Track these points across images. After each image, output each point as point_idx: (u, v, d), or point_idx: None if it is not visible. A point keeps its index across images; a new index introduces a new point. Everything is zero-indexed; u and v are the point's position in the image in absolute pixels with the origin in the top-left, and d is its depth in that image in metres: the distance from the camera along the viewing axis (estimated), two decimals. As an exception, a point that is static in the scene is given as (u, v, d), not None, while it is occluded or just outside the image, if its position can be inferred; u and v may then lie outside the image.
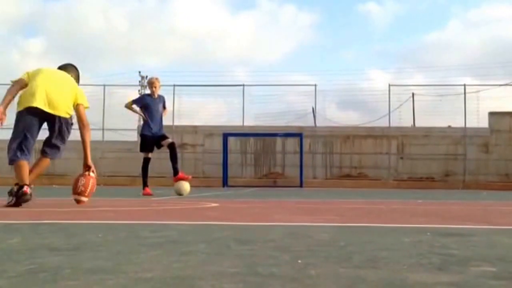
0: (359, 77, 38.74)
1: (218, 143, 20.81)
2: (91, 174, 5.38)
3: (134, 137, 20.09)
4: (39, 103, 5.16)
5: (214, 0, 52.58)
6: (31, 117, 5.19)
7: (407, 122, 22.85)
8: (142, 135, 9.25)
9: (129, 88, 26.81)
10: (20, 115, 5.26)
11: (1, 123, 5.14)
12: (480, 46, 46.08)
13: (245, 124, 21.61)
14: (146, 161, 9.13)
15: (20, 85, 5.31)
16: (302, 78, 44.60)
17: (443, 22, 50.98)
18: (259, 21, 51.03)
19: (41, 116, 5.21)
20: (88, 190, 5.28)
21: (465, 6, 49.49)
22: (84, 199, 5.25)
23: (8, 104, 5.23)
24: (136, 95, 11.39)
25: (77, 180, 5.35)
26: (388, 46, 47.34)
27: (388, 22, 49.47)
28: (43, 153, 5.39)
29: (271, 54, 48.45)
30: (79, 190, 5.27)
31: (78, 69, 5.73)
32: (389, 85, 21.36)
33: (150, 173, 9.29)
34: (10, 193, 4.97)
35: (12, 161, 5.10)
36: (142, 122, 9.62)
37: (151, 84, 9.27)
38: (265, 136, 21.50)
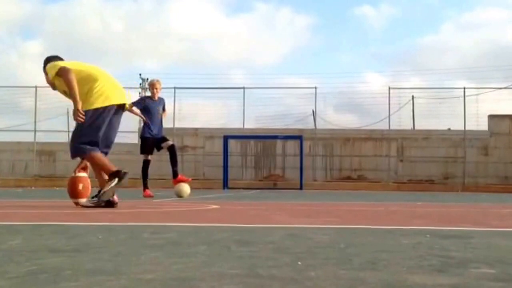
0: (357, 79, 38.87)
1: (218, 146, 20.80)
2: (80, 174, 5.32)
3: (135, 139, 20.09)
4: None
5: (211, 2, 52.72)
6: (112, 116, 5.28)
7: (407, 125, 22.85)
8: (143, 137, 9.26)
9: (130, 91, 26.81)
10: (97, 112, 5.18)
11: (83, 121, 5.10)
12: (475, 49, 46.24)
13: (246, 126, 21.60)
14: (146, 163, 9.14)
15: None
16: (300, 80, 44.68)
17: (437, 26, 51.25)
18: (256, 24, 51.19)
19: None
20: (78, 191, 5.25)
21: (459, 10, 49.73)
22: (81, 201, 5.21)
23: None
24: (136, 97, 11.39)
25: (71, 183, 5.31)
26: (384, 49, 47.52)
27: (383, 25, 49.66)
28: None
29: (268, 57, 48.56)
30: (75, 194, 5.25)
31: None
32: (389, 88, 21.36)
33: (150, 175, 9.30)
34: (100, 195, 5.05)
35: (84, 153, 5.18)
36: (142, 124, 9.63)
37: (152, 86, 9.29)
38: (265, 138, 21.50)
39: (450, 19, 48.76)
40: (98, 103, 5.14)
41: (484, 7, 49.54)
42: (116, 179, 5.04)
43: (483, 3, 48.98)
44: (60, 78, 5.10)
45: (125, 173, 5.10)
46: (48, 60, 5.32)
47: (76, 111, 5.04)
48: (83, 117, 5.05)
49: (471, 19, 48.66)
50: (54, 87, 5.34)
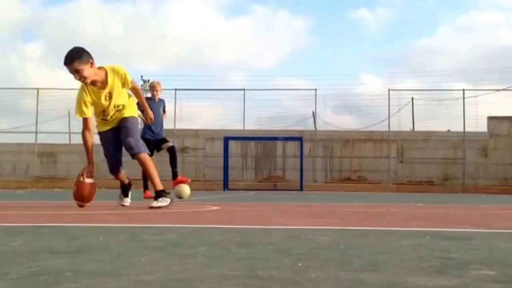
0: (354, 81, 38.99)
1: (219, 147, 20.81)
2: (86, 180, 5.29)
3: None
4: None
5: (208, 5, 52.79)
6: None
7: (406, 126, 22.86)
8: (143, 139, 9.24)
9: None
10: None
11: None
12: (470, 52, 46.41)
13: (246, 128, 21.60)
14: (147, 164, 9.13)
15: None
16: (299, 82, 44.79)
17: (433, 28, 51.40)
18: (254, 27, 51.30)
19: None
20: (87, 196, 5.25)
21: (454, 12, 49.85)
22: (85, 204, 5.23)
23: None
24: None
25: (79, 188, 5.29)
26: (380, 51, 47.63)
27: (379, 27, 49.76)
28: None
29: (266, 59, 48.67)
30: (80, 197, 5.25)
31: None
32: (389, 90, 21.38)
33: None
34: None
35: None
36: (142, 126, 9.63)
37: (152, 87, 9.30)
38: (265, 140, 21.52)
39: (446, 22, 48.92)
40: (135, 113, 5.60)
41: (480, 10, 49.73)
42: (168, 200, 5.40)
43: (478, 6, 49.16)
44: (124, 87, 5.29)
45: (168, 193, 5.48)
46: (83, 52, 5.00)
47: (148, 112, 5.91)
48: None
49: (466, 22, 48.86)
50: (93, 83, 5.08)
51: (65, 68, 4.94)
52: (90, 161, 5.25)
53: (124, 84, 5.21)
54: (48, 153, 21.37)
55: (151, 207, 5.23)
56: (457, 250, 2.18)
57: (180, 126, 21.50)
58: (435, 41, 47.50)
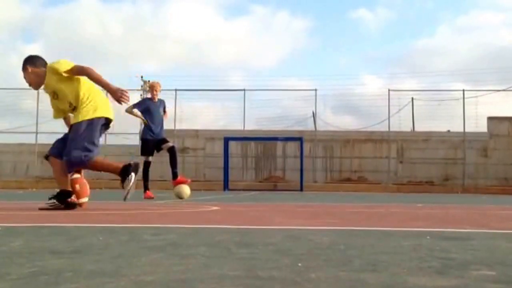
0: (354, 81, 39.05)
1: (219, 147, 20.82)
2: (75, 176, 5.30)
3: (136, 140, 20.12)
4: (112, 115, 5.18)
5: (208, 5, 52.85)
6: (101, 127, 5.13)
7: (406, 127, 22.88)
8: (143, 139, 9.27)
9: (131, 93, 26.81)
10: (98, 123, 5.05)
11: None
12: (470, 52, 46.48)
13: (246, 128, 21.61)
14: (147, 164, 9.15)
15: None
16: (298, 83, 44.98)
17: (432, 29, 51.50)
18: (253, 27, 51.38)
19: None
20: (77, 192, 5.25)
21: (454, 13, 49.93)
22: (80, 201, 5.23)
23: None
24: (137, 99, 11.43)
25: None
26: (380, 51, 47.69)
27: (379, 28, 49.82)
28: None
29: (266, 59, 48.75)
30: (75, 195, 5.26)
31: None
32: (389, 90, 21.38)
33: (151, 176, 9.30)
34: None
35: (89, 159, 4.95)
36: (143, 126, 9.64)
37: (152, 88, 9.31)
38: (265, 140, 21.53)
39: (445, 22, 49.00)
40: (95, 114, 5.03)
41: (479, 10, 49.81)
42: (133, 174, 4.93)
43: (478, 6, 49.23)
44: (63, 76, 4.92)
45: (135, 163, 5.00)
46: (32, 58, 5.09)
47: (115, 90, 4.89)
48: (128, 95, 4.96)
49: (466, 22, 48.93)
50: (38, 86, 5.13)
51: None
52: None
53: (59, 74, 4.93)
54: (48, 153, 21.39)
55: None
56: (457, 250, 2.18)
57: (180, 126, 21.53)
58: (434, 41, 47.59)
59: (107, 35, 50.49)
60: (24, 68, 5.06)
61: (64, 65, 4.95)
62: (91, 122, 4.98)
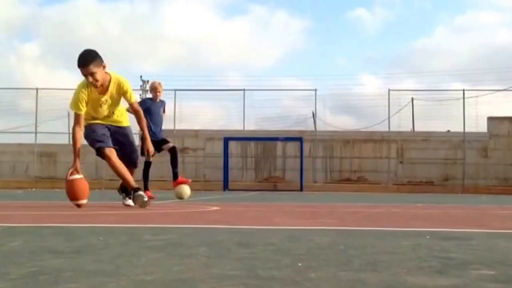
0: (353, 81, 39.11)
1: (219, 147, 20.81)
2: (75, 176, 5.30)
3: (136, 141, 20.13)
4: None
5: (205, 5, 52.90)
6: None
7: (406, 127, 22.88)
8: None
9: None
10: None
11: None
12: (468, 52, 46.58)
13: (246, 128, 21.60)
14: (147, 165, 9.14)
15: None
16: (297, 82, 45.07)
17: (430, 29, 51.61)
18: (251, 27, 51.45)
19: None
20: (77, 193, 5.26)
21: (452, 13, 50.05)
22: (80, 202, 5.21)
23: None
24: (137, 100, 11.44)
25: (69, 187, 5.31)
26: (378, 51, 47.77)
27: (377, 28, 49.90)
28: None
29: (264, 59, 48.86)
30: (73, 196, 5.26)
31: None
32: (389, 90, 21.37)
33: (151, 176, 9.30)
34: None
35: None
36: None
37: (154, 88, 9.28)
38: (265, 140, 21.52)
39: (443, 23, 49.09)
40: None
41: (477, 10, 49.87)
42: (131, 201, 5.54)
43: (475, 7, 49.33)
44: (128, 105, 5.64)
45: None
46: (100, 56, 5.11)
47: (149, 144, 5.96)
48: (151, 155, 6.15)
49: (464, 22, 49.01)
50: (99, 82, 5.11)
51: (77, 69, 5.08)
52: (76, 156, 5.27)
53: (122, 97, 5.39)
54: (48, 153, 21.38)
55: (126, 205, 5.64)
56: (457, 250, 2.18)
57: (180, 126, 21.50)
58: (433, 41, 47.65)
59: (104, 35, 50.53)
60: (99, 64, 5.06)
61: (133, 95, 5.54)
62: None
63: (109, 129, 5.48)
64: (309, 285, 1.39)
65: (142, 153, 9.40)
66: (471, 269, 1.69)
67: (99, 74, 5.05)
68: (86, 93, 5.18)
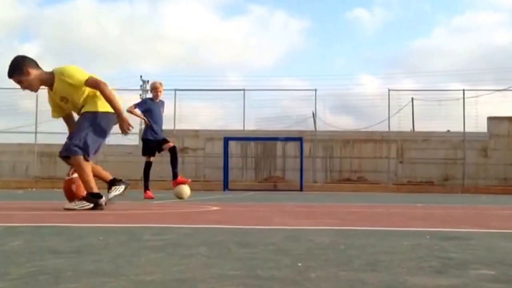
0: (352, 81, 39.15)
1: (219, 147, 20.82)
2: (74, 175, 5.28)
3: (136, 141, 20.10)
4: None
5: (205, 6, 52.96)
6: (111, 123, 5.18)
7: (406, 127, 22.88)
8: (145, 139, 9.26)
9: (130, 93, 26.81)
10: (104, 117, 5.09)
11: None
12: (466, 52, 46.65)
13: (246, 128, 21.60)
14: (148, 164, 9.16)
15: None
16: (296, 83, 45.12)
17: (429, 29, 51.70)
18: (251, 27, 51.52)
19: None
20: (72, 192, 5.25)
21: (450, 13, 50.13)
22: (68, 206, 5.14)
23: None
24: (137, 99, 11.43)
25: (67, 186, 5.31)
26: (377, 51, 47.84)
27: (376, 28, 49.97)
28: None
29: (264, 59, 48.93)
30: (69, 196, 5.25)
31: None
32: (389, 90, 21.37)
33: (151, 176, 9.31)
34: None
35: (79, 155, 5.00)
36: (143, 126, 9.64)
37: (155, 88, 9.29)
38: (265, 140, 21.53)
39: (442, 23, 49.16)
40: (108, 108, 5.03)
41: (475, 11, 49.93)
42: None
43: (473, 7, 49.38)
44: (76, 84, 4.94)
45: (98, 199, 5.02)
46: (30, 60, 5.03)
47: (123, 120, 5.03)
48: (132, 130, 5.14)
49: (462, 23, 49.07)
50: (38, 89, 5.05)
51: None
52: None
53: (73, 83, 4.95)
54: (48, 153, 21.36)
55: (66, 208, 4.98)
56: (457, 250, 2.18)
57: (180, 126, 21.51)
58: (431, 41, 47.72)
59: (104, 35, 50.57)
60: (25, 72, 4.89)
61: (79, 75, 4.95)
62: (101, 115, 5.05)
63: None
64: (309, 285, 1.39)
65: (143, 153, 9.44)
66: (471, 269, 1.69)
67: (29, 81, 4.93)
68: (49, 97, 5.19)
